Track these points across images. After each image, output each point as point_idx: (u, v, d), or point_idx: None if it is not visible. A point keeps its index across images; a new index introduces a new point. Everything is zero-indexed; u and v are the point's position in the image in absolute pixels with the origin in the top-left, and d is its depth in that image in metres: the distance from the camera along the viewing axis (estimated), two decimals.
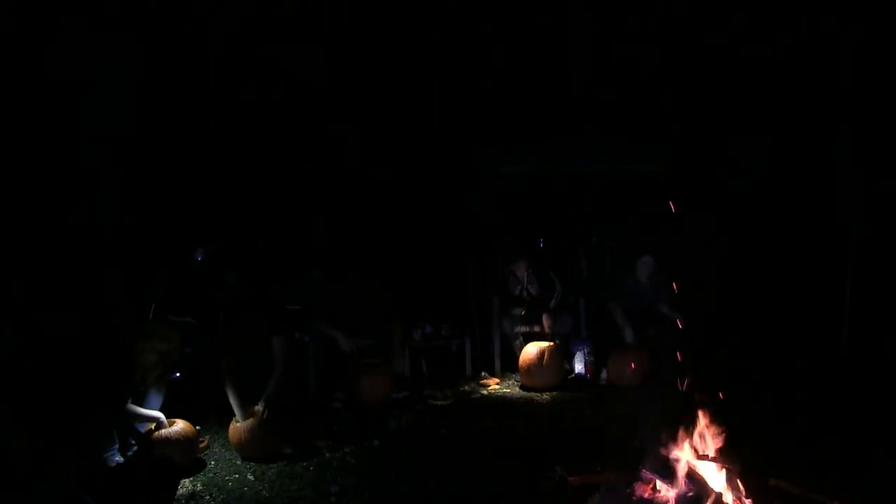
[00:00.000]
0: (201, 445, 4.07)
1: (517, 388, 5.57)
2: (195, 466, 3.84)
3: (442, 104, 7.00)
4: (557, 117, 7.06)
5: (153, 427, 3.76)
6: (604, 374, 5.59)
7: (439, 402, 5.15)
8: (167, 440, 3.66)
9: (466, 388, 5.60)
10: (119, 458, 3.48)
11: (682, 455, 2.83)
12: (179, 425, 3.80)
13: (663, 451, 2.85)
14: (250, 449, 3.99)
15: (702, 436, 2.90)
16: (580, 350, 5.81)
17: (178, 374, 4.36)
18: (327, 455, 4.04)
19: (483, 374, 5.92)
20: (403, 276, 6.27)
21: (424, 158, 7.08)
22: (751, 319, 6.06)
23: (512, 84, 6.95)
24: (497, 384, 5.69)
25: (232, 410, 4.12)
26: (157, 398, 3.94)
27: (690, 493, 2.70)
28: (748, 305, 6.14)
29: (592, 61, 6.82)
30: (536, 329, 5.91)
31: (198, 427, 4.19)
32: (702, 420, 2.91)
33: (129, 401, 3.72)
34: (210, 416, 4.54)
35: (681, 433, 2.89)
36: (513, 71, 6.88)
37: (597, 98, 6.96)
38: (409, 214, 7.01)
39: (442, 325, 5.96)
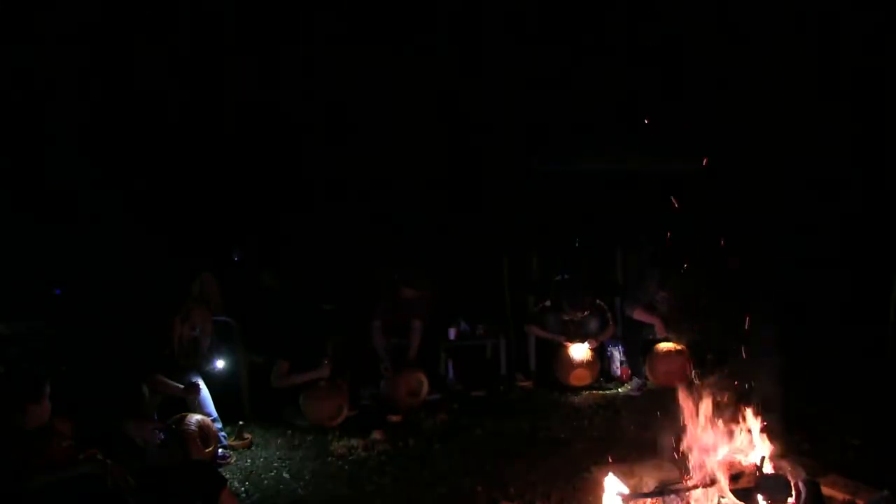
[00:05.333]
0: (243, 442, 4.15)
1: (553, 388, 5.50)
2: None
3: (479, 103, 6.97)
4: (594, 118, 6.99)
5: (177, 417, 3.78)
6: (641, 374, 5.48)
7: (475, 394, 5.29)
8: (186, 434, 3.62)
9: (502, 387, 5.56)
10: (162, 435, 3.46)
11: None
12: (196, 417, 3.80)
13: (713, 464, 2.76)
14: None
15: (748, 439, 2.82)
16: (615, 350, 5.73)
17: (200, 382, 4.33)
18: (362, 454, 4.05)
19: (518, 374, 5.86)
20: (442, 275, 6.24)
21: (464, 158, 7.04)
22: (797, 321, 5.88)
23: (550, 84, 6.90)
24: (532, 384, 5.63)
25: (273, 411, 4.47)
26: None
27: None
28: (794, 307, 5.96)
29: (627, 61, 6.75)
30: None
31: (240, 422, 4.32)
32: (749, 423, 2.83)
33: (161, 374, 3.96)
34: (250, 415, 4.61)
35: (724, 436, 2.82)
36: (549, 71, 6.83)
37: (634, 99, 6.86)
38: (448, 214, 6.97)
39: (477, 324, 5.92)
